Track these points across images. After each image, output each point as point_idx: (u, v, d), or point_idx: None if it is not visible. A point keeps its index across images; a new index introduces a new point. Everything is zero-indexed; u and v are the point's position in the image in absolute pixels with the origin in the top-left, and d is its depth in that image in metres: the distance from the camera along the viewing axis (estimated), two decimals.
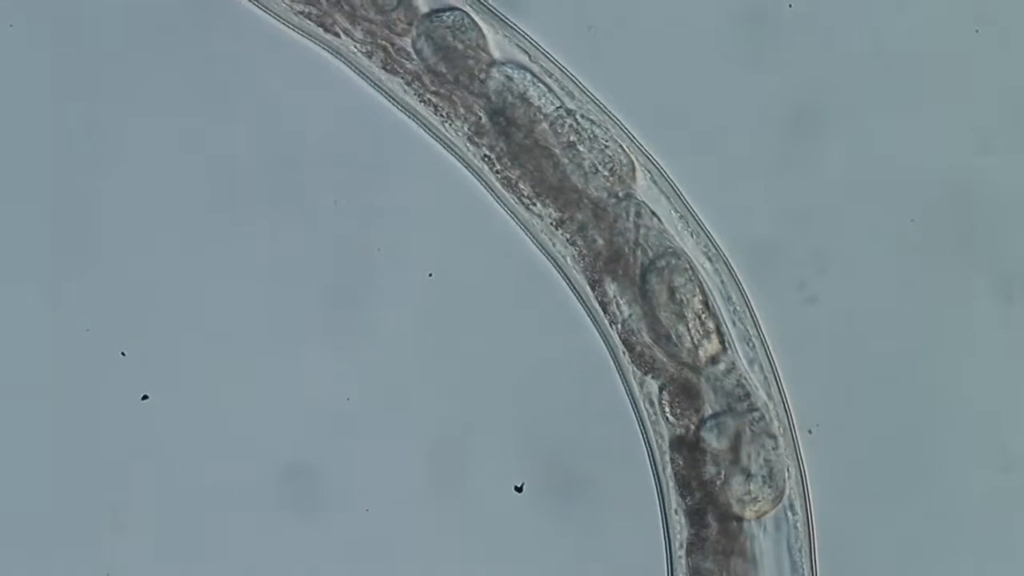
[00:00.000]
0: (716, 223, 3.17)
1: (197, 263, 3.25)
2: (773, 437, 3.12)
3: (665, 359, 3.12)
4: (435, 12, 3.19)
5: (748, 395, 3.12)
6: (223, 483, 3.22)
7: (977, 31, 3.27)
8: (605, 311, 3.16)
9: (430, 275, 3.23)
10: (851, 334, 3.23)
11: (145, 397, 3.23)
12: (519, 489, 3.20)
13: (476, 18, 3.19)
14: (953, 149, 3.26)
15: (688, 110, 3.26)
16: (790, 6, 3.27)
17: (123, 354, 3.23)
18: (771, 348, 3.15)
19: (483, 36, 3.18)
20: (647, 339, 3.13)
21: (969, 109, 3.26)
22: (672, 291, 3.13)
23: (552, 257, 3.18)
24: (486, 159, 3.18)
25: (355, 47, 3.20)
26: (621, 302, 3.15)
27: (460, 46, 3.17)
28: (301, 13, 3.20)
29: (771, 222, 3.24)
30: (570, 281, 3.18)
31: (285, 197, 3.24)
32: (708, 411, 3.12)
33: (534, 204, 3.18)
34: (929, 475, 3.22)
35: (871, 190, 3.25)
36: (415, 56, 3.18)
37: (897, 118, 3.26)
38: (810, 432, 3.19)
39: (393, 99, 3.20)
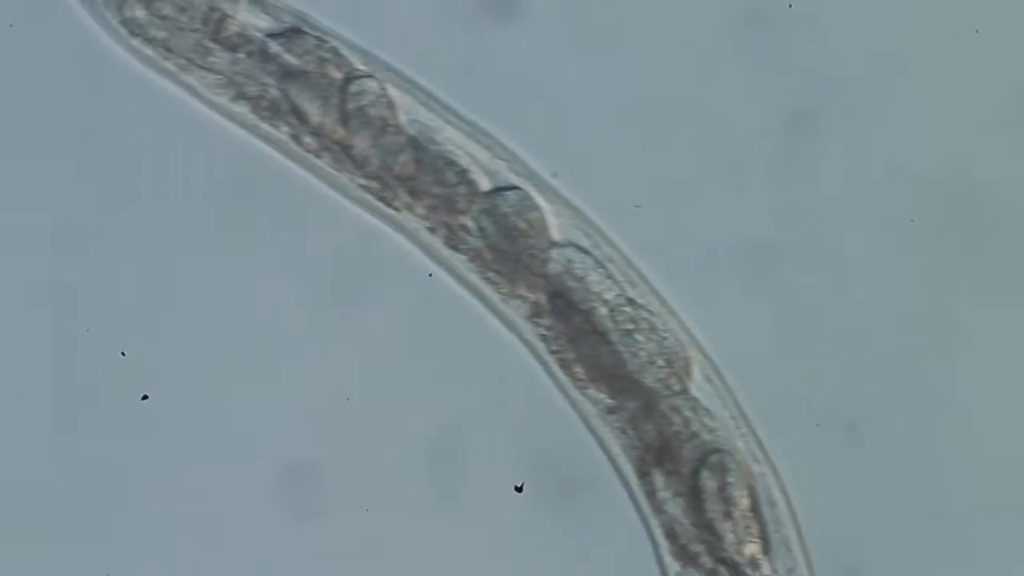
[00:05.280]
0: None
1: (197, 263, 3.25)
2: None
3: (705, 554, 3.12)
4: (497, 190, 3.17)
5: None
6: (223, 483, 3.22)
7: (977, 31, 3.27)
8: (650, 500, 3.15)
9: (430, 275, 3.23)
10: (851, 333, 3.23)
11: (145, 397, 3.23)
12: (519, 489, 3.20)
13: (538, 199, 3.18)
14: (953, 149, 3.26)
15: (688, 111, 3.26)
16: (790, 6, 3.27)
17: (123, 354, 3.23)
18: (812, 558, 3.15)
19: (543, 217, 3.16)
20: (691, 531, 3.12)
21: (969, 109, 3.26)
22: (721, 488, 3.12)
23: (601, 442, 3.18)
24: (542, 338, 3.17)
25: (418, 222, 3.18)
26: (667, 493, 3.14)
27: (522, 225, 3.15)
28: (363, 187, 3.18)
29: (771, 223, 3.24)
30: (616, 468, 3.17)
31: (283, 197, 3.25)
32: None
33: (587, 388, 3.17)
34: (927, 475, 3.22)
35: (871, 190, 3.26)
36: (476, 233, 3.15)
37: (897, 118, 3.26)
38: (817, 426, 3.21)
39: (456, 274, 3.19)
